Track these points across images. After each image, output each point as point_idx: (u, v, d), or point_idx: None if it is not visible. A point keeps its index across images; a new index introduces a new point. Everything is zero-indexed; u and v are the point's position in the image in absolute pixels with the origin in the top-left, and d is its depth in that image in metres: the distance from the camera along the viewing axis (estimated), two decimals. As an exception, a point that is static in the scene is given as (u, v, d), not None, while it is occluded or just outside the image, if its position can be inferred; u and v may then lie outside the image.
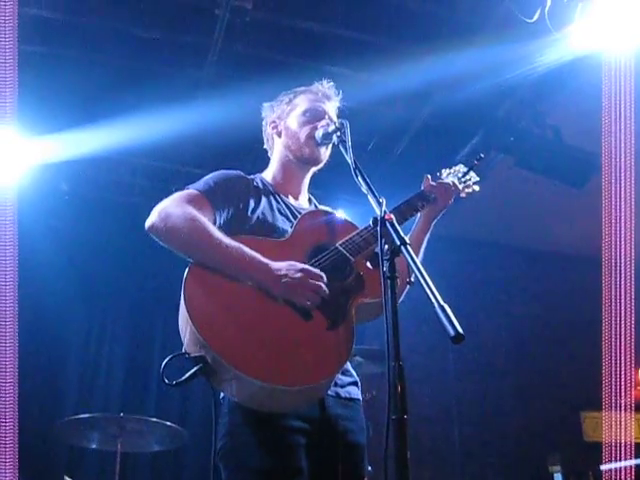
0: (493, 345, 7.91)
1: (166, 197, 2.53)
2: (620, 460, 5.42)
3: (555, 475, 6.26)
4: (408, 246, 1.94)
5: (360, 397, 2.58)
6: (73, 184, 6.48)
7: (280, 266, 2.31)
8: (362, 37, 5.13)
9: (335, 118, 2.79)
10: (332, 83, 2.92)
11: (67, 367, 6.56)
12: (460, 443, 7.47)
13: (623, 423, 5.56)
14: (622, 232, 5.18)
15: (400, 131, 6.09)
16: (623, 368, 5.42)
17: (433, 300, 1.76)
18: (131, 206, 6.40)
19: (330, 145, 2.73)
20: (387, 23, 5.02)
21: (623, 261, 5.25)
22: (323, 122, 2.71)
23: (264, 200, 2.66)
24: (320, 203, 2.97)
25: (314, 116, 2.77)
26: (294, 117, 2.81)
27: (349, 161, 2.35)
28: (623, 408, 5.56)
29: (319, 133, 2.67)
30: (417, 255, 2.72)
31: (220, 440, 2.31)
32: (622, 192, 5.05)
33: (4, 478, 4.54)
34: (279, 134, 2.86)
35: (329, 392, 2.38)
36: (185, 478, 6.39)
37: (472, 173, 3.02)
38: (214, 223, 2.48)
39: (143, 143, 5.50)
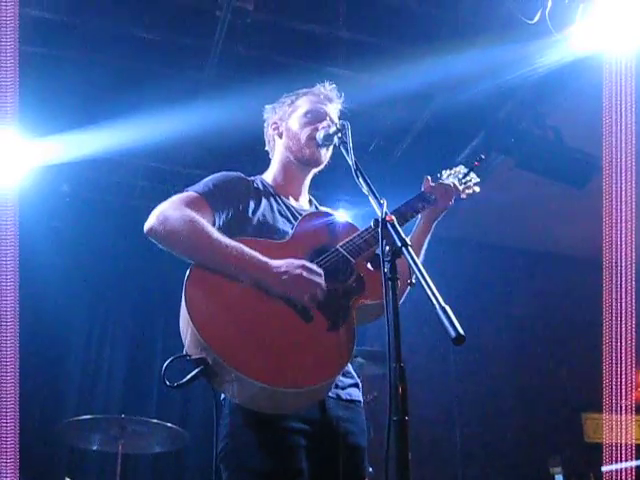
0: (494, 346, 7.91)
1: (167, 198, 2.53)
2: (621, 461, 5.42)
3: (556, 476, 6.26)
4: (409, 247, 1.94)
5: (361, 399, 2.58)
6: (74, 185, 6.48)
7: (279, 264, 2.31)
8: (363, 38, 5.13)
9: (336, 120, 2.79)
10: (334, 85, 2.92)
11: (68, 368, 6.55)
12: (461, 444, 7.46)
13: (624, 424, 5.55)
14: (623, 233, 5.18)
15: (401, 132, 6.10)
16: (624, 370, 5.42)
17: (434, 301, 1.76)
18: (132, 207, 6.41)
19: (331, 146, 2.73)
20: (388, 24, 5.03)
21: (624, 262, 5.25)
22: (324, 123, 2.71)
23: (264, 202, 2.66)
24: (321, 204, 2.97)
25: (315, 117, 2.77)
26: (295, 118, 2.81)
27: (350, 162, 2.35)
28: (624, 410, 5.56)
29: (320, 134, 2.67)
30: (418, 256, 2.72)
31: (221, 441, 2.31)
32: (623, 193, 5.05)
33: (5, 479, 4.54)
34: (280, 135, 2.86)
35: (330, 394, 2.38)
36: (186, 479, 6.39)
37: (472, 174, 3.02)
38: (213, 225, 2.47)
39: (144, 144, 5.50)
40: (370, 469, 2.53)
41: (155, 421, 5.07)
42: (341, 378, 2.45)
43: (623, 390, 5.44)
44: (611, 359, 5.43)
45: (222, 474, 2.30)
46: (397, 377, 1.77)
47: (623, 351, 5.38)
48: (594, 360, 5.73)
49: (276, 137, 2.89)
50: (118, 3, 4.88)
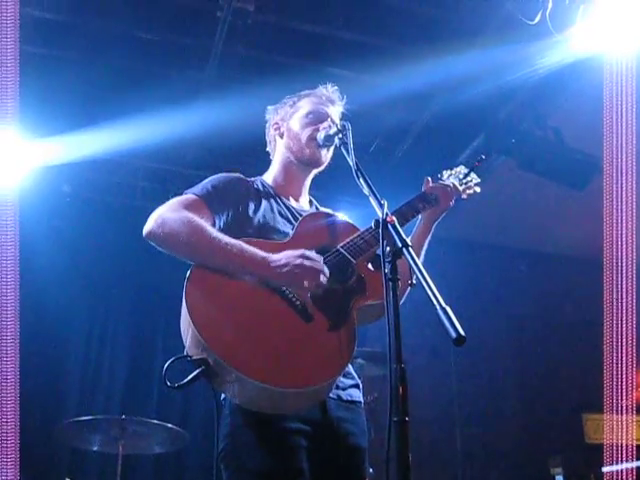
0: (495, 347, 7.91)
1: (167, 199, 2.53)
2: (621, 462, 5.41)
3: (556, 477, 6.26)
4: (410, 248, 1.94)
5: (361, 400, 2.58)
6: (75, 186, 6.49)
7: (279, 257, 2.32)
8: (364, 39, 5.13)
9: (338, 122, 2.79)
10: (336, 87, 2.92)
11: (69, 369, 6.55)
12: (461, 445, 7.46)
13: (624, 425, 5.55)
14: (623, 234, 5.17)
15: (402, 133, 6.10)
16: (624, 370, 5.42)
17: (435, 302, 1.76)
18: (132, 208, 6.41)
19: (332, 147, 2.73)
20: (389, 25, 5.03)
21: (624, 263, 5.25)
22: (325, 124, 2.71)
23: (264, 203, 2.66)
24: (321, 205, 2.97)
25: (317, 118, 2.77)
26: (297, 119, 2.82)
27: (351, 163, 2.35)
28: (624, 410, 5.55)
29: (321, 135, 2.68)
30: (419, 257, 2.72)
31: (221, 442, 2.31)
32: (623, 194, 5.04)
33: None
34: (281, 135, 2.87)
35: (330, 395, 2.38)
36: (186, 480, 6.40)
37: (473, 174, 3.02)
38: (213, 226, 2.48)
39: (145, 145, 5.50)
40: (370, 470, 2.53)
41: (155, 422, 5.07)
42: (342, 379, 2.44)
43: (624, 390, 5.44)
44: (612, 359, 5.43)
45: (222, 474, 2.30)
46: (398, 378, 1.77)
47: (624, 351, 5.38)
48: (595, 360, 5.72)
49: (277, 137, 2.89)
50: (119, 4, 4.88)
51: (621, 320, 5.35)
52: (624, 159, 4.93)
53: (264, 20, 4.95)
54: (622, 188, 5.05)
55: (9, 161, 5.43)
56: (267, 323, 2.24)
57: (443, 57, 4.86)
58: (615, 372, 5.46)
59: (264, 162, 2.97)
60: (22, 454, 4.69)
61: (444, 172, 3.00)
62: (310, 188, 2.93)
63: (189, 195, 2.55)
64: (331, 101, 2.87)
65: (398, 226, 2.03)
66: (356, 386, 2.57)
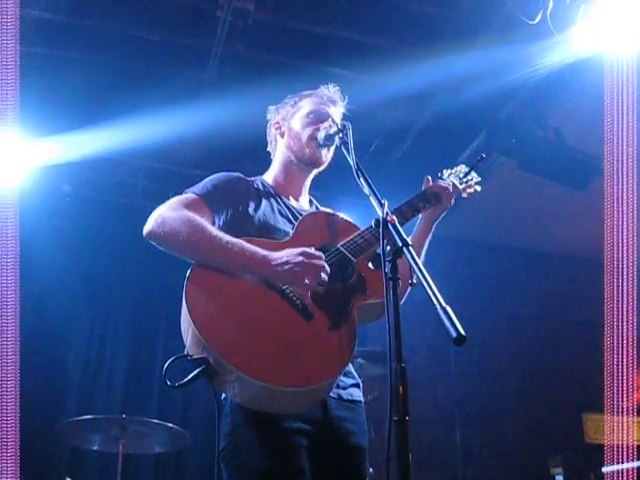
0: (495, 347, 7.90)
1: (168, 198, 2.53)
2: (621, 462, 5.41)
3: (557, 477, 6.26)
4: (410, 247, 1.94)
5: (362, 399, 2.57)
6: (75, 186, 6.49)
7: (280, 255, 2.32)
8: (364, 39, 5.13)
9: (339, 122, 2.79)
10: (338, 87, 2.92)
11: (69, 368, 6.56)
12: (461, 445, 7.46)
13: (625, 425, 5.55)
14: (624, 234, 5.17)
15: (402, 133, 6.10)
16: (625, 370, 5.41)
17: (435, 302, 1.76)
18: (133, 208, 6.41)
19: (332, 147, 2.74)
20: (389, 25, 5.02)
21: (625, 263, 5.25)
22: (326, 124, 2.71)
23: (264, 202, 2.66)
24: (321, 205, 2.97)
25: (318, 118, 2.77)
26: (298, 118, 2.82)
27: (351, 162, 2.35)
28: (625, 410, 5.55)
29: (321, 134, 2.68)
30: (419, 256, 2.73)
31: (222, 441, 2.31)
32: (624, 194, 5.04)
33: (6, 479, 4.54)
34: (282, 135, 2.87)
35: (331, 394, 2.38)
36: (187, 479, 6.39)
37: (473, 173, 3.03)
38: (213, 225, 2.48)
39: (145, 145, 5.50)
40: (370, 469, 2.53)
41: (156, 421, 5.08)
42: (342, 378, 2.44)
43: (624, 391, 5.43)
44: (612, 360, 5.42)
45: (223, 473, 2.30)
46: (398, 377, 1.77)
47: (624, 352, 5.38)
48: (595, 361, 5.72)
49: (278, 137, 2.89)
50: (119, 3, 4.88)
51: (621, 320, 5.35)
52: (625, 159, 4.93)
53: (264, 20, 4.95)
54: (623, 188, 5.04)
55: (9, 161, 5.44)
56: (267, 322, 2.24)
57: (443, 57, 4.85)
58: (615, 372, 5.45)
59: (264, 162, 2.97)
60: (22, 453, 4.69)
61: (444, 171, 3.01)
62: (310, 188, 2.93)
63: (189, 194, 2.56)
64: (332, 101, 2.87)
65: (398, 225, 2.03)
66: (357, 385, 2.57)
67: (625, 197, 5.07)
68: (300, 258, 2.29)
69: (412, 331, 6.81)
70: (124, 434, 4.90)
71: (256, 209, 2.61)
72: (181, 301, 2.26)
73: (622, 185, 5.03)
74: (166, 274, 5.46)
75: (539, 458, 6.81)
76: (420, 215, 2.84)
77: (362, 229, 2.57)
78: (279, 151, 2.88)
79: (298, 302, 2.30)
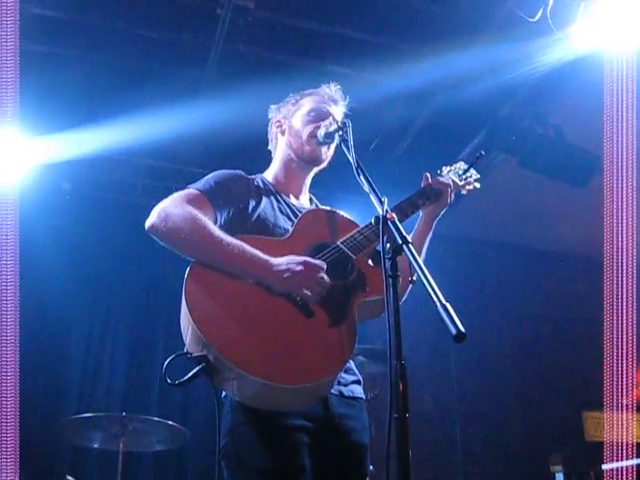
0: (495, 344, 7.90)
1: (168, 197, 2.53)
2: (621, 460, 5.42)
3: (557, 475, 6.25)
4: (410, 245, 1.94)
5: (363, 396, 2.58)
6: (75, 184, 6.49)
7: (281, 261, 2.32)
8: (364, 37, 5.13)
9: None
10: (339, 86, 2.92)
11: (69, 366, 6.56)
12: (461, 442, 7.47)
13: (625, 423, 5.55)
14: (624, 232, 5.17)
15: (402, 131, 6.10)
16: (625, 368, 5.42)
17: (435, 299, 1.76)
18: (133, 206, 6.41)
19: (333, 145, 2.74)
20: (389, 23, 5.02)
21: (625, 261, 5.25)
22: (326, 122, 2.71)
23: (265, 200, 2.66)
24: (322, 203, 2.97)
25: (318, 116, 2.78)
26: (299, 116, 2.82)
27: (351, 160, 2.35)
28: (625, 408, 5.56)
29: (321, 132, 2.68)
30: (420, 254, 2.74)
31: (222, 439, 2.31)
32: (624, 191, 5.04)
33: (5, 477, 4.54)
34: (283, 133, 2.87)
35: (332, 391, 2.38)
36: (187, 477, 6.39)
37: (473, 170, 3.03)
38: (215, 222, 2.48)
39: (145, 143, 5.50)
40: (371, 467, 2.52)
41: (156, 419, 5.08)
42: (343, 375, 2.45)
43: (624, 388, 5.44)
44: (612, 357, 5.43)
45: (223, 472, 2.30)
46: (398, 374, 1.77)
47: (624, 349, 5.38)
48: (595, 358, 5.72)
49: (279, 135, 2.89)
50: (119, 1, 4.88)
51: (621, 318, 5.35)
52: (625, 157, 4.93)
53: (264, 17, 4.94)
54: (623, 186, 5.05)
55: (9, 159, 5.43)
56: (268, 319, 2.24)
57: (443, 55, 4.85)
58: (615, 370, 5.46)
59: (264, 160, 2.97)
60: (23, 452, 4.69)
61: (443, 168, 3.02)
62: (311, 186, 2.93)
63: (192, 190, 2.55)
64: (334, 100, 2.87)
65: (398, 223, 2.03)
66: (357, 382, 2.57)
67: (625, 195, 5.07)
68: (300, 267, 2.29)
69: (412, 329, 6.79)
70: (124, 432, 4.90)
71: (256, 207, 2.61)
72: (181, 299, 2.26)
73: (622, 183, 5.03)
74: (166, 272, 5.48)
75: (539, 456, 6.81)
76: (420, 212, 2.84)
77: (362, 226, 2.57)
78: (279, 149, 2.88)
79: (298, 299, 2.30)
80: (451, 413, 7.57)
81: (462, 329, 1.68)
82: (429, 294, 1.78)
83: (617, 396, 5.48)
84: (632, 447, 5.47)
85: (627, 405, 5.53)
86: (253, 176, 2.80)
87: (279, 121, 2.91)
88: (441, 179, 2.90)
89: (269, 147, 2.99)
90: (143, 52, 5.18)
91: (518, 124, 5.79)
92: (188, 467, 6.35)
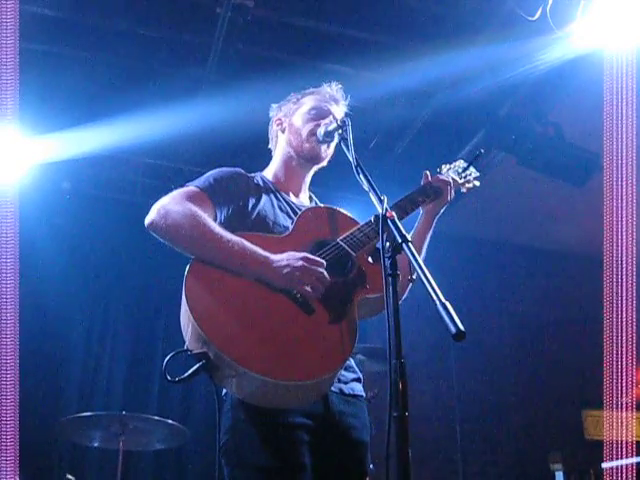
0: (494, 343, 7.91)
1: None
2: (621, 458, 5.42)
3: (556, 473, 6.26)
4: (409, 243, 1.94)
5: (363, 393, 2.58)
6: (75, 182, 6.49)
7: (281, 257, 2.32)
8: (364, 36, 5.13)
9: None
10: (340, 86, 2.92)
11: (69, 365, 6.55)
12: (461, 441, 7.47)
13: (624, 421, 5.56)
14: (624, 230, 5.17)
15: (402, 129, 6.10)
16: (624, 367, 5.42)
17: (435, 297, 1.76)
18: (133, 204, 6.41)
19: (333, 144, 2.74)
20: (389, 22, 5.02)
21: (624, 259, 5.25)
22: (327, 120, 2.71)
23: (264, 197, 2.66)
24: (321, 201, 2.97)
25: (319, 114, 2.78)
26: (299, 114, 2.83)
27: (351, 159, 2.36)
28: (624, 406, 5.56)
29: (321, 130, 2.68)
30: (420, 252, 2.75)
31: (222, 437, 2.31)
32: (624, 190, 5.04)
33: (5, 476, 4.54)
34: (283, 130, 2.87)
35: (333, 388, 2.38)
36: (187, 476, 6.39)
37: (472, 168, 3.04)
38: (215, 220, 2.48)
39: (145, 142, 5.50)
40: (371, 466, 2.52)
41: (156, 418, 5.07)
42: (343, 372, 2.45)
43: (623, 387, 5.44)
44: (612, 356, 5.43)
45: (223, 470, 2.30)
46: (397, 373, 1.77)
47: (624, 348, 5.38)
48: (594, 357, 5.73)
49: (279, 133, 2.90)
50: (118, 0, 4.88)
51: (621, 317, 5.35)
52: (624, 155, 4.93)
53: (264, 16, 4.94)
54: (622, 184, 5.05)
55: (9, 158, 5.43)
56: (268, 316, 2.24)
57: (443, 54, 4.85)
58: (615, 369, 5.46)
59: (264, 159, 2.97)
60: (23, 451, 4.69)
61: (443, 166, 3.02)
62: (310, 184, 2.93)
63: (191, 187, 2.55)
64: (335, 100, 2.87)
65: (398, 221, 2.03)
66: (358, 380, 2.57)
67: (625, 193, 5.07)
68: (300, 263, 2.29)
69: (412, 327, 6.80)
70: (124, 431, 4.90)
71: (256, 204, 2.61)
72: (181, 297, 2.26)
73: (622, 181, 5.03)
74: (166, 271, 5.46)
75: (539, 454, 6.82)
76: (420, 210, 2.84)
77: (361, 223, 2.57)
78: (279, 147, 2.88)
79: (299, 296, 2.30)
80: (451, 412, 7.57)
81: (462, 328, 1.68)
82: (428, 293, 1.78)
83: (617, 395, 5.49)
84: (632, 445, 5.47)
85: (627, 404, 5.53)
86: (253, 174, 2.80)
87: (280, 119, 2.91)
88: (441, 177, 2.90)
89: (269, 146, 2.99)
90: (143, 51, 5.18)
91: (518, 123, 5.79)
92: (188, 466, 6.35)
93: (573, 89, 5.44)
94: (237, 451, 2.28)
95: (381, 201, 2.12)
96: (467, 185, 3.02)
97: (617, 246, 5.24)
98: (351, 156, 2.36)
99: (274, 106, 2.99)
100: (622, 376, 5.45)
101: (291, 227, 2.56)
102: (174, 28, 5.07)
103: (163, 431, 5.14)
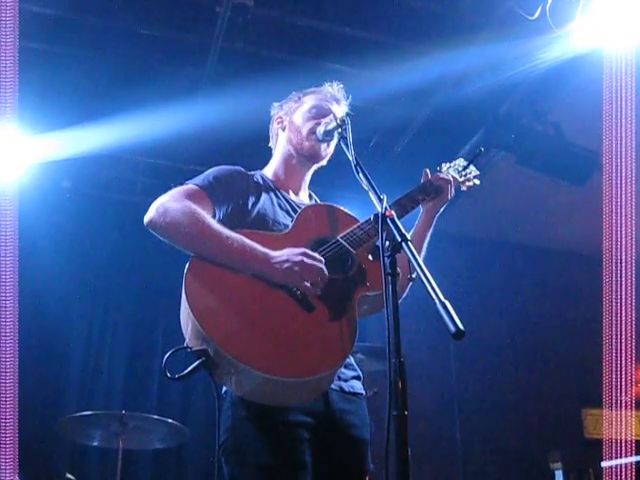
0: (494, 342, 7.91)
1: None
2: (621, 457, 5.42)
3: (556, 472, 6.27)
4: (409, 242, 1.94)
5: (363, 391, 2.58)
6: (74, 182, 6.49)
7: (280, 253, 2.32)
8: (364, 35, 5.13)
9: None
10: (342, 85, 2.93)
11: (68, 364, 6.55)
12: (461, 440, 7.47)
13: (624, 420, 5.56)
14: (623, 229, 5.17)
15: (401, 129, 6.10)
16: (624, 365, 5.42)
17: (434, 296, 1.76)
18: (132, 204, 6.41)
19: (333, 143, 2.75)
20: (389, 21, 5.02)
21: (624, 258, 5.25)
22: (327, 119, 2.71)
23: (264, 196, 2.66)
24: (321, 200, 2.97)
25: (319, 113, 2.78)
26: (300, 113, 2.83)
27: (350, 158, 2.36)
28: (624, 405, 5.56)
29: (320, 129, 2.68)
30: (421, 250, 2.76)
31: (222, 435, 2.31)
32: (623, 189, 5.04)
33: (4, 476, 4.54)
34: (284, 129, 2.88)
35: (333, 386, 2.39)
36: (187, 475, 6.39)
37: (472, 167, 3.04)
38: (214, 218, 2.48)
39: (144, 141, 5.50)
40: (371, 465, 2.52)
41: (156, 417, 5.07)
42: (343, 370, 2.45)
43: (623, 386, 5.44)
44: (611, 355, 5.43)
45: (223, 468, 2.30)
46: (397, 372, 1.77)
47: (623, 347, 5.38)
48: (594, 356, 5.72)
49: (279, 131, 2.90)
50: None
51: (620, 316, 5.35)
52: (624, 154, 4.93)
53: (263, 15, 4.95)
54: (622, 183, 5.04)
55: (8, 157, 5.43)
56: (268, 313, 2.24)
57: (443, 52, 4.86)
58: (614, 367, 5.45)
59: (264, 158, 2.97)
60: (22, 450, 4.68)
61: (443, 165, 3.02)
62: (310, 183, 2.93)
63: (191, 185, 2.56)
64: (336, 100, 2.88)
65: (397, 220, 2.03)
66: (358, 378, 2.58)
67: (624, 192, 5.07)
68: (299, 258, 2.30)
69: (412, 327, 6.82)
70: (124, 430, 4.89)
71: (256, 202, 2.61)
72: (180, 296, 2.26)
73: (621, 180, 5.03)
74: (165, 270, 5.47)
75: (539, 453, 6.83)
76: (421, 209, 2.85)
77: (361, 221, 2.57)
78: (280, 145, 2.88)
79: (298, 293, 2.30)
80: (450, 411, 7.57)
81: (461, 327, 1.68)
82: (428, 292, 1.78)
83: (616, 393, 5.48)
84: (631, 444, 5.47)
85: (626, 402, 5.53)
86: (252, 172, 2.80)
87: (280, 117, 2.92)
88: (441, 175, 2.91)
89: (270, 144, 2.99)
90: (142, 50, 5.18)
91: (517, 122, 5.80)
92: (188, 465, 6.35)
93: (572, 88, 5.44)
94: (237, 449, 2.28)
95: (380, 200, 2.12)
96: (467, 183, 3.02)
97: (616, 245, 5.24)
98: (350, 155, 2.37)
99: (275, 104, 3.00)
100: (622, 375, 5.45)
101: (291, 225, 2.57)
102: (174, 27, 5.07)
103: (163, 430, 5.14)
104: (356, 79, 5.12)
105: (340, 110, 2.85)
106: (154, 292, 6.82)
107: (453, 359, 7.63)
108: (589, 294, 5.91)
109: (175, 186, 2.56)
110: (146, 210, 2.45)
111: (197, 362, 2.14)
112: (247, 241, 2.34)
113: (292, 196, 2.79)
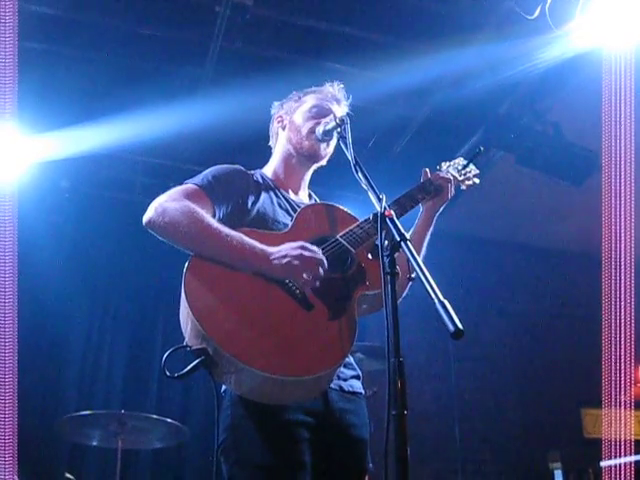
0: (493, 342, 7.91)
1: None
2: (620, 456, 5.42)
3: (555, 472, 6.27)
4: (408, 242, 1.94)
5: (363, 391, 2.58)
6: (73, 181, 6.49)
7: (278, 249, 2.33)
8: (363, 34, 5.12)
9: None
10: (342, 85, 2.93)
11: (68, 364, 6.55)
12: (460, 440, 7.47)
13: (623, 420, 5.56)
14: (622, 229, 5.17)
15: (401, 128, 6.10)
16: (623, 365, 5.42)
17: (433, 296, 1.76)
18: (131, 203, 6.40)
19: (333, 143, 2.75)
20: (389, 20, 5.02)
21: (623, 258, 5.25)
22: (326, 119, 2.71)
23: (264, 195, 2.66)
24: (321, 200, 2.97)
25: (319, 113, 2.78)
26: (300, 112, 2.83)
27: (349, 157, 2.36)
28: (623, 405, 5.56)
29: (320, 129, 2.69)
30: (420, 249, 2.76)
31: (221, 434, 2.30)
32: (622, 189, 5.05)
33: (4, 476, 4.54)
34: (284, 128, 2.88)
35: (332, 385, 2.39)
36: (186, 475, 6.39)
37: (472, 166, 3.04)
38: (213, 217, 2.48)
39: (143, 140, 5.50)
40: (370, 465, 2.53)
41: (155, 417, 5.07)
42: (343, 369, 2.45)
43: (622, 385, 5.44)
44: (610, 354, 5.43)
45: (222, 467, 2.30)
46: (396, 371, 1.77)
47: (622, 347, 5.38)
48: (593, 356, 5.73)
49: (279, 130, 2.90)
50: (117, -1, 4.88)
51: (619, 315, 5.35)
52: (623, 154, 4.93)
53: (263, 15, 4.94)
54: (621, 183, 5.05)
55: (8, 156, 5.43)
56: (267, 312, 2.25)
57: (443, 52, 4.86)
58: (613, 367, 5.46)
59: (263, 158, 2.97)
60: (21, 450, 4.68)
61: (442, 164, 3.02)
62: (310, 183, 2.93)
63: (189, 185, 2.55)
64: (336, 100, 2.88)
65: (396, 220, 2.03)
66: (357, 377, 2.58)
67: (623, 192, 5.07)
68: (298, 251, 2.30)
69: (411, 326, 6.83)
70: (123, 430, 4.89)
71: (255, 201, 2.61)
72: (180, 295, 2.26)
73: (620, 180, 5.03)
74: (164, 269, 5.48)
75: (538, 453, 6.82)
76: (420, 207, 2.85)
77: (361, 220, 2.58)
78: (280, 144, 2.89)
79: (298, 292, 2.30)
80: (450, 410, 7.57)
81: (460, 326, 1.68)
82: (427, 291, 1.78)
83: (615, 393, 5.49)
84: (630, 444, 5.48)
85: (625, 402, 5.54)
86: (252, 171, 2.80)
87: (280, 116, 2.92)
88: (441, 174, 2.91)
89: (270, 143, 2.99)
90: (141, 49, 5.17)
91: (516, 121, 5.80)
92: (187, 464, 6.35)
93: (572, 88, 5.44)
94: (236, 449, 2.28)
95: (379, 200, 2.12)
96: (467, 182, 3.02)
97: (615, 244, 5.25)
98: (349, 155, 2.37)
99: (276, 103, 3.00)
100: (621, 374, 5.45)
101: (290, 224, 2.57)
102: (173, 26, 5.06)
103: (162, 430, 5.14)
104: (355, 78, 5.12)
105: (340, 110, 2.85)
106: (153, 291, 6.82)
107: (452, 359, 7.63)
108: (588, 293, 5.92)
109: (174, 186, 2.56)
110: (145, 210, 2.44)
111: (196, 361, 2.14)
112: (246, 239, 2.34)
113: (292, 195, 2.79)
